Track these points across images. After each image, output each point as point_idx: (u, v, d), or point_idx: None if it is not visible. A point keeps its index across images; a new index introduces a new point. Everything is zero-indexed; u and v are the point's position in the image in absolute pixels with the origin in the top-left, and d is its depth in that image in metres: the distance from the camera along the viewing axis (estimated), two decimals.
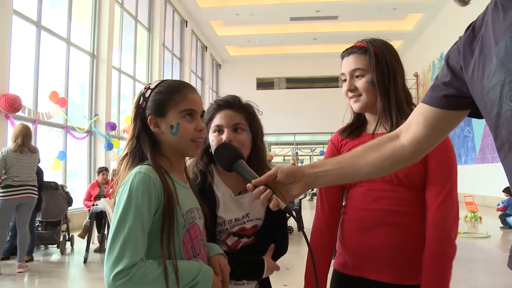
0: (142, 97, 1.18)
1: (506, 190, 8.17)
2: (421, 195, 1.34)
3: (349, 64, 1.41)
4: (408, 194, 1.33)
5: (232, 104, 1.42)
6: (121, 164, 1.16)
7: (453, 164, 1.33)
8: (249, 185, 1.06)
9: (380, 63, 1.37)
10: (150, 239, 1.06)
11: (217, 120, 1.41)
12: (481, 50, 0.82)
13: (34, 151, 5.08)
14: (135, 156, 1.15)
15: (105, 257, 1.03)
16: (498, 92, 0.76)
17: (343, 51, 1.46)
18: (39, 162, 5.33)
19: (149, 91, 1.18)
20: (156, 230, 1.07)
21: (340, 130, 1.53)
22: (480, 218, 9.02)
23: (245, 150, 1.39)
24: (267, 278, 1.47)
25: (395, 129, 1.26)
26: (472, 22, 0.87)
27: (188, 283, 1.07)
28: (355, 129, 1.48)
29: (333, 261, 1.49)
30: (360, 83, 1.39)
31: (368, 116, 1.47)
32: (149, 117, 1.15)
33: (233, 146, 1.27)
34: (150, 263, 1.03)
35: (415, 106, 1.43)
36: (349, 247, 1.42)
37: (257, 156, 1.43)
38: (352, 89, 1.41)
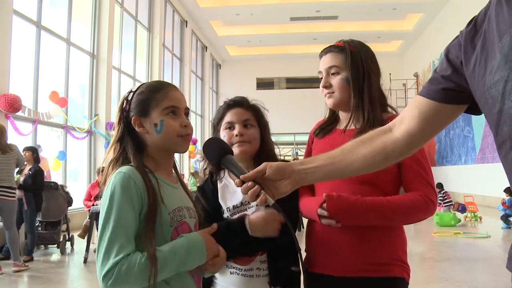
0: (125, 101, 1.20)
1: (507, 190, 8.15)
2: (384, 194, 1.35)
3: (325, 62, 1.45)
4: (372, 193, 1.34)
5: (241, 102, 1.52)
6: (107, 170, 1.17)
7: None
8: (237, 180, 1.05)
9: (355, 61, 1.41)
10: (138, 237, 1.06)
11: (228, 118, 1.50)
12: (483, 45, 0.80)
13: (5, 151, 4.88)
14: (119, 159, 1.16)
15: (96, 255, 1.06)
16: (501, 88, 0.74)
17: (321, 51, 1.50)
18: (19, 160, 5.12)
19: (132, 94, 1.20)
20: (142, 228, 1.08)
21: (314, 129, 1.57)
22: (480, 218, 8.97)
23: (255, 144, 1.49)
24: (290, 276, 1.42)
25: (366, 127, 1.30)
26: (474, 17, 0.86)
27: (179, 260, 1.07)
28: (325, 127, 1.52)
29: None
30: (335, 80, 1.43)
31: (341, 114, 1.51)
32: (133, 118, 1.17)
33: (222, 141, 1.27)
34: (132, 256, 1.02)
35: (390, 107, 1.46)
36: (314, 245, 1.44)
37: (266, 149, 1.51)
38: (327, 86, 1.44)
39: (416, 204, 1.31)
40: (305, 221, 6.60)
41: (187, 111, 1.22)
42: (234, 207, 1.45)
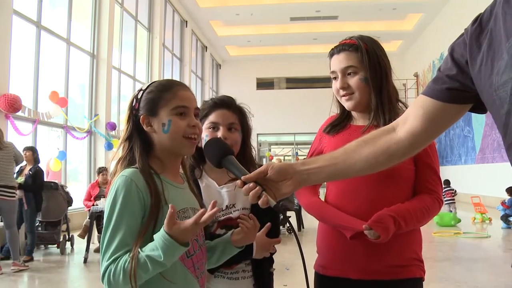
0: (135, 99, 1.19)
1: (508, 190, 8.14)
2: (401, 191, 1.35)
3: (340, 61, 1.39)
4: (387, 189, 1.33)
5: (229, 104, 1.51)
6: (116, 167, 1.16)
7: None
8: (238, 181, 1.03)
9: (372, 60, 1.37)
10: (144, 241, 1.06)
11: (213, 118, 1.48)
12: (490, 44, 0.79)
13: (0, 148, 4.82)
14: (125, 159, 1.16)
15: None
16: (509, 89, 0.73)
17: (332, 49, 1.44)
18: (16, 156, 5.07)
19: (141, 92, 1.19)
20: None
21: (324, 126, 1.53)
22: (490, 220, 8.67)
23: (236, 148, 1.48)
24: (268, 277, 1.48)
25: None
26: (479, 15, 0.84)
27: (160, 260, 1.01)
28: (338, 124, 1.49)
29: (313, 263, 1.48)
30: (353, 81, 1.38)
31: (355, 113, 1.46)
32: (141, 116, 1.16)
33: (223, 142, 1.27)
34: (120, 260, 1.02)
35: (402, 103, 1.43)
36: (329, 248, 1.42)
37: (246, 154, 1.51)
38: (345, 87, 1.39)
39: (433, 208, 1.36)
40: (306, 222, 6.55)
41: (196, 112, 1.20)
42: (219, 210, 1.44)
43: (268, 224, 1.35)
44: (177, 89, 1.18)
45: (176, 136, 1.15)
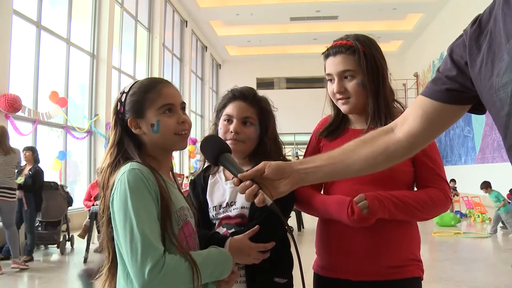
0: (119, 103, 1.17)
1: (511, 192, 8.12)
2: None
3: (336, 64, 1.36)
4: (384, 191, 1.30)
5: (246, 96, 1.42)
6: (105, 174, 1.12)
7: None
8: (234, 179, 1.02)
9: (370, 63, 1.34)
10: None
11: (228, 110, 1.42)
12: (490, 46, 0.78)
13: (7, 152, 4.93)
14: (119, 162, 1.13)
15: (127, 261, 1.00)
16: (509, 91, 0.73)
17: (328, 49, 1.40)
18: (18, 164, 5.19)
19: (124, 95, 1.17)
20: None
21: (319, 129, 1.50)
22: (490, 220, 8.59)
23: (249, 144, 1.40)
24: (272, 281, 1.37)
25: None
26: (478, 16, 0.84)
27: (210, 272, 1.09)
28: (335, 129, 1.46)
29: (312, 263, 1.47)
30: (350, 85, 1.35)
31: (351, 116, 1.44)
32: (128, 119, 1.14)
33: (220, 138, 1.24)
34: (174, 257, 1.02)
35: (399, 103, 1.42)
36: (328, 249, 1.41)
37: (260, 152, 1.40)
38: (342, 91, 1.36)
39: (438, 199, 1.31)
40: (306, 222, 6.58)
41: (183, 106, 1.19)
42: (219, 207, 1.40)
43: (256, 227, 1.25)
44: (160, 88, 1.16)
45: (167, 135, 1.14)
